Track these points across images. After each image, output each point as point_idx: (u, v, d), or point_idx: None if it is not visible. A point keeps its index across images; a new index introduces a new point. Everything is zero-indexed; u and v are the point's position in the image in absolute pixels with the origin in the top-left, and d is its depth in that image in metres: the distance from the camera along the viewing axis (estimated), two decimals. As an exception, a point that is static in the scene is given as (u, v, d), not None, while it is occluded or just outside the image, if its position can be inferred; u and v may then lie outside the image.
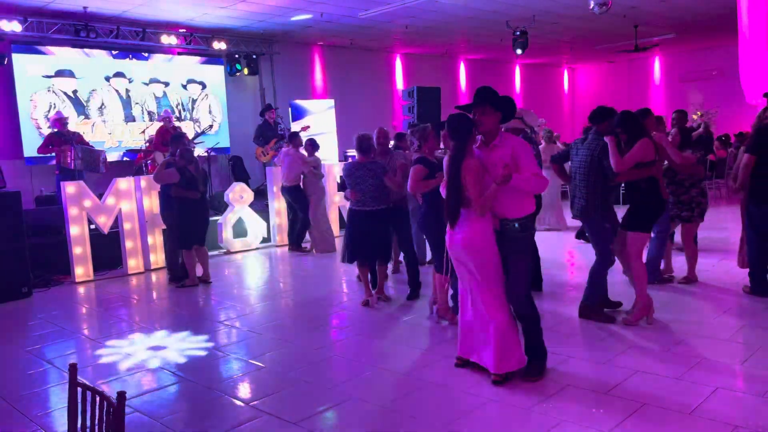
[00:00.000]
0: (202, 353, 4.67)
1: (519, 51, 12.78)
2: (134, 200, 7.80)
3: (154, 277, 7.67)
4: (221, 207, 9.30)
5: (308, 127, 11.20)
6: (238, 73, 12.63)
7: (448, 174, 3.75)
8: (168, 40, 11.41)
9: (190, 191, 6.74)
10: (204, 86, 12.36)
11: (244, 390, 3.96)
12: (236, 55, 12.50)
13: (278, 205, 9.44)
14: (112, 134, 11.18)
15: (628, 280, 5.45)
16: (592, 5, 9.50)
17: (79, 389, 2.03)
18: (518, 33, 12.46)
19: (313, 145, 8.70)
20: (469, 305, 3.92)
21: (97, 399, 1.93)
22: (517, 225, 3.71)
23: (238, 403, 3.73)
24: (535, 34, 12.96)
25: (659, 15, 12.55)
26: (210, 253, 7.73)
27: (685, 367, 3.85)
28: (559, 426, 3.18)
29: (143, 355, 4.68)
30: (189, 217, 6.85)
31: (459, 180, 3.65)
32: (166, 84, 11.88)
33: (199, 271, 7.11)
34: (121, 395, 1.85)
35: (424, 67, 16.21)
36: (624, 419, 3.21)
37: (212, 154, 11.40)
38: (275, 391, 3.86)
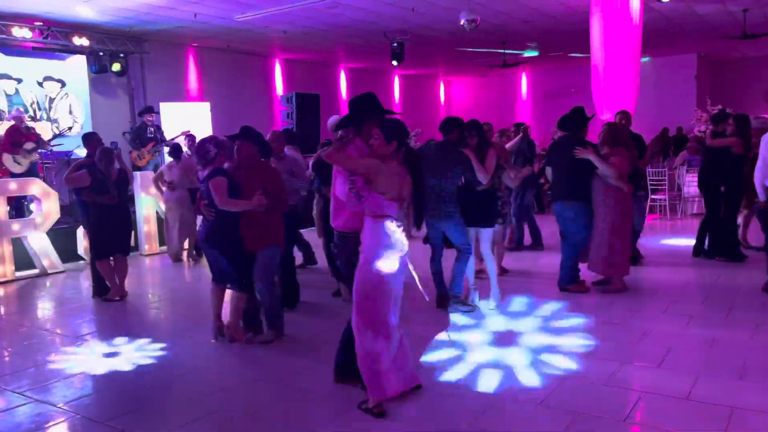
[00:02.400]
0: (52, 373, 4.28)
1: (395, 62, 13.11)
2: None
3: None
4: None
5: (188, 131, 10.77)
6: (107, 72, 11.84)
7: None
8: (21, 33, 10.45)
9: (102, 195, 6.09)
10: (63, 84, 11.46)
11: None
12: (101, 53, 11.71)
13: (146, 212, 8.94)
14: (-47, 134, 10.03)
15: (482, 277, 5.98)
16: (462, 21, 9.96)
17: None
18: (395, 44, 12.78)
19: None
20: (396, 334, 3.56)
21: None
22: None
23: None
24: (411, 46, 13.36)
25: (524, 34, 13.43)
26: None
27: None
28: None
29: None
30: (102, 224, 6.18)
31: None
32: (19, 81, 10.87)
33: None
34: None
35: (305, 74, 16.15)
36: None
37: (72, 157, 10.57)
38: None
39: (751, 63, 18.97)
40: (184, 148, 8.70)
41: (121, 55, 12.02)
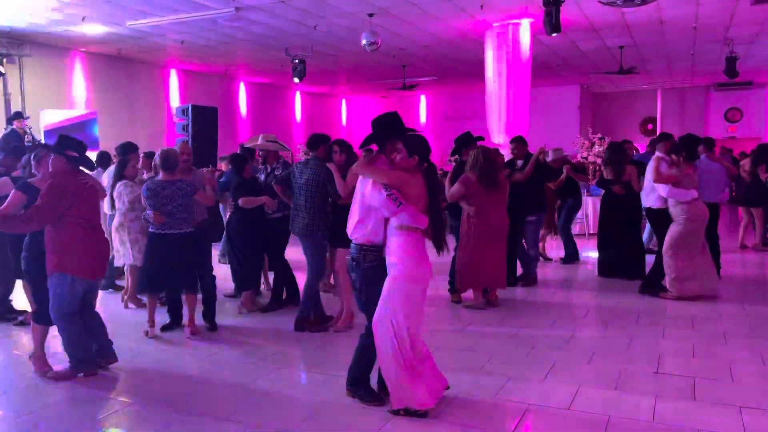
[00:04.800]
0: None
1: (297, 79, 13.04)
2: None
3: None
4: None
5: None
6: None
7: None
8: None
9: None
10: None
11: None
12: (-27, 53, 10.75)
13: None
14: None
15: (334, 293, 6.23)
16: (364, 42, 10.12)
17: None
18: (297, 61, 12.73)
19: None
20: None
21: None
22: None
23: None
24: (313, 63, 13.37)
25: (424, 58, 13.86)
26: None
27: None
28: None
29: None
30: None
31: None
32: None
33: None
34: None
35: (203, 86, 15.68)
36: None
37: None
38: None
39: (626, 95, 20.73)
40: None
41: (-3, 56, 11.09)
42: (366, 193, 3.56)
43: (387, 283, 3.56)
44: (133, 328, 5.49)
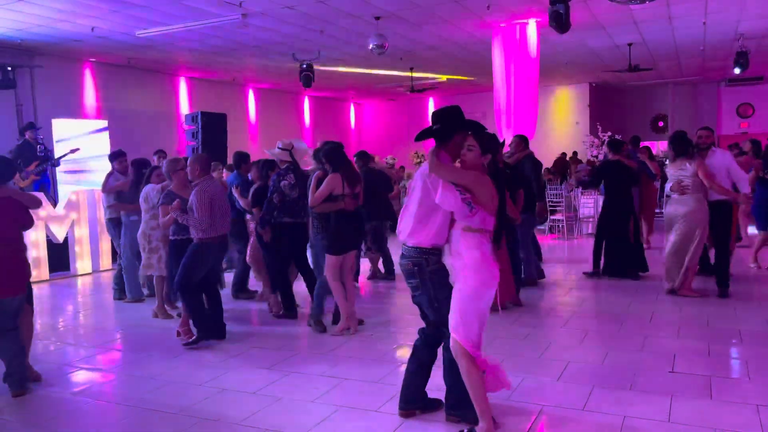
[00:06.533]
0: None
1: (305, 84, 13.08)
2: None
3: None
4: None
5: (78, 149, 10.23)
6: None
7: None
8: None
9: None
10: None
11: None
12: (-15, 65, 10.89)
13: (35, 236, 8.32)
14: None
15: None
16: (371, 45, 10.12)
17: None
18: (305, 66, 12.77)
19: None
20: None
21: None
22: None
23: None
24: (321, 68, 13.40)
25: (431, 60, 13.84)
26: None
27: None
28: None
29: None
30: None
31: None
32: None
33: None
34: None
35: (211, 93, 15.77)
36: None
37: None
38: None
39: (636, 93, 20.60)
40: None
41: (8, 68, 11.21)
42: (436, 194, 3.27)
43: (457, 290, 3.29)
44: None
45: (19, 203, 4.31)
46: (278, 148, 6.03)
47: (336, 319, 5.66)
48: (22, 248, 4.35)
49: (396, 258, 7.83)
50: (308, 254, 6.13)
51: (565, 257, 9.65)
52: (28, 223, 4.41)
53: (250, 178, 6.70)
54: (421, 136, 3.50)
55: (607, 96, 20.91)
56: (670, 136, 6.53)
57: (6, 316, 4.16)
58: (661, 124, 20.35)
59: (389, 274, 7.97)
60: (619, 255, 7.44)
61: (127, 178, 7.09)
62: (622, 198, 7.38)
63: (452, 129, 3.39)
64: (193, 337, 5.23)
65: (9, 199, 4.24)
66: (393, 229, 5.28)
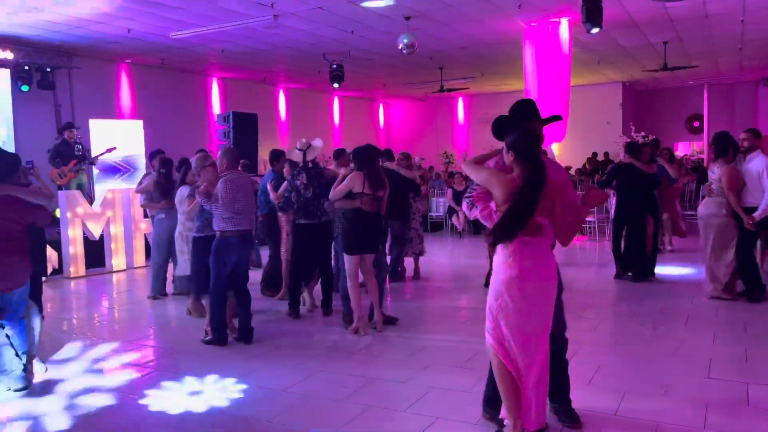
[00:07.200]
0: None
1: (336, 84, 13.16)
2: None
3: None
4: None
5: (114, 148, 10.47)
6: (31, 86, 11.33)
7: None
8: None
9: None
10: (-16, 98, 10.88)
11: None
12: (26, 66, 11.21)
13: (72, 233, 8.53)
14: None
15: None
16: (400, 45, 10.12)
17: None
18: (335, 66, 12.84)
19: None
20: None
21: None
22: None
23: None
24: (350, 68, 13.46)
25: (461, 60, 13.78)
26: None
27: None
28: None
29: None
30: None
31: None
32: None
33: None
34: None
35: (242, 93, 15.98)
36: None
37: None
38: None
39: (670, 92, 20.18)
40: None
41: (47, 69, 11.54)
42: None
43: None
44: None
45: (18, 200, 4.23)
46: (296, 149, 6.13)
47: (370, 317, 5.67)
48: (18, 245, 4.20)
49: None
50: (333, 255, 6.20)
51: (596, 260, 9.51)
52: (34, 220, 4.33)
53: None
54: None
55: (640, 95, 20.53)
56: (713, 137, 6.40)
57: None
58: (696, 124, 19.91)
59: (392, 274, 7.72)
60: (628, 257, 7.38)
61: (151, 177, 7.25)
62: (631, 200, 7.26)
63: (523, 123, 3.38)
64: (209, 337, 5.28)
65: (7, 197, 4.17)
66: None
